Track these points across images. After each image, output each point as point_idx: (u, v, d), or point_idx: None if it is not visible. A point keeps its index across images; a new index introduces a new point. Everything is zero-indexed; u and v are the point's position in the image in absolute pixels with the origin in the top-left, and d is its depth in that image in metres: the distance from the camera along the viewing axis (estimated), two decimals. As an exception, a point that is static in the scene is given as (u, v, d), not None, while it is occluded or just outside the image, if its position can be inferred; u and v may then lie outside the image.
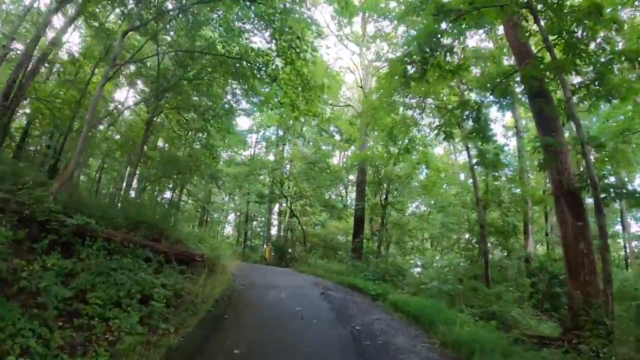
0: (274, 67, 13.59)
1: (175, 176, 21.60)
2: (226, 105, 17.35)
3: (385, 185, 23.63)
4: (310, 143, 32.02)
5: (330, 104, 29.41)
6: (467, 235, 34.69)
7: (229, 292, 10.79)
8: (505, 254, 17.95)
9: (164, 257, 10.02)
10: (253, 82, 15.16)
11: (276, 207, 37.37)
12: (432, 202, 30.76)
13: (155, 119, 18.53)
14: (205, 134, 18.72)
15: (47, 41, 15.96)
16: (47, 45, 15.99)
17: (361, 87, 27.91)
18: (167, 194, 41.99)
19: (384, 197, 24.49)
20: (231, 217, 45.17)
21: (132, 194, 20.13)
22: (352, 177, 38.09)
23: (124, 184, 18.88)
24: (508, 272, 17.90)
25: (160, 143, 26.24)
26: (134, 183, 23.19)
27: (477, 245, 21.91)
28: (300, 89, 13.71)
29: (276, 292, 11.48)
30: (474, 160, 17.35)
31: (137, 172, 19.18)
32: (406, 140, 23.16)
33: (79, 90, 19.68)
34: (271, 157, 36.25)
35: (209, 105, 16.98)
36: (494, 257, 19.75)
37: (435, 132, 13.04)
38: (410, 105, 21.93)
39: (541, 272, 18.15)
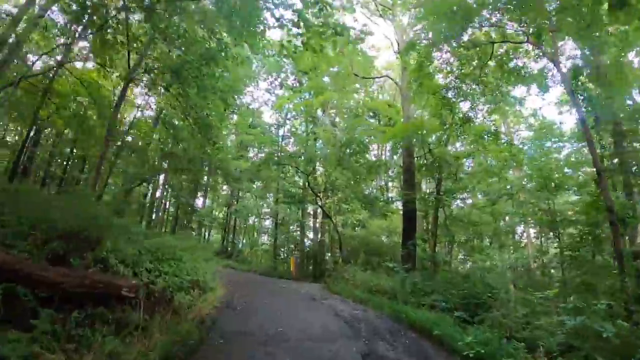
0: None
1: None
2: (207, 47, 11.26)
3: (440, 169, 17.10)
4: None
5: (364, 77, 23.12)
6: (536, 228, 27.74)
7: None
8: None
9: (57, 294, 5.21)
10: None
11: (310, 209, 31.16)
12: (485, 191, 24.05)
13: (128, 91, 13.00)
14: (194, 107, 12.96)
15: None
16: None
17: (398, 52, 21.54)
18: (200, 201, 37.35)
19: (438, 184, 18.04)
20: (268, 222, 39.58)
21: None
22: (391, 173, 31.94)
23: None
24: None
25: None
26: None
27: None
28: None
29: (274, 358, 5.39)
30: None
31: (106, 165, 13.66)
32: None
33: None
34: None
35: (183, 57, 11.15)
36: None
37: None
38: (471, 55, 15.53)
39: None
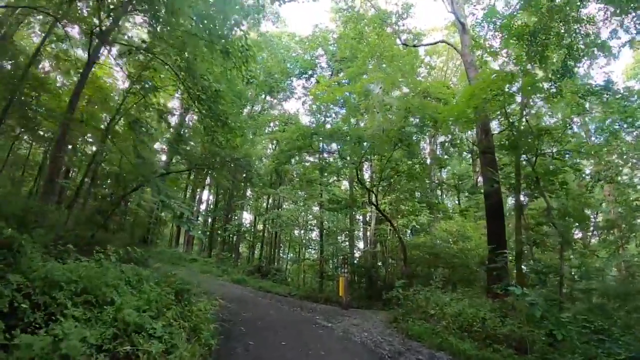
0: None
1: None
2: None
3: (536, 144, 11.89)
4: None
5: (414, 46, 18.14)
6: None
7: None
8: None
9: None
10: None
11: (359, 216, 26.01)
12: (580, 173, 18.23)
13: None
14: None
15: None
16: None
17: (453, 12, 16.61)
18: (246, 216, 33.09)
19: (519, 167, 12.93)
20: (315, 234, 34.52)
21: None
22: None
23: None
24: None
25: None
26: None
27: None
28: None
29: None
30: None
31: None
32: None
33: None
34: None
35: None
36: None
37: None
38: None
39: None
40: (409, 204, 17.64)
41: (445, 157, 18.22)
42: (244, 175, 21.75)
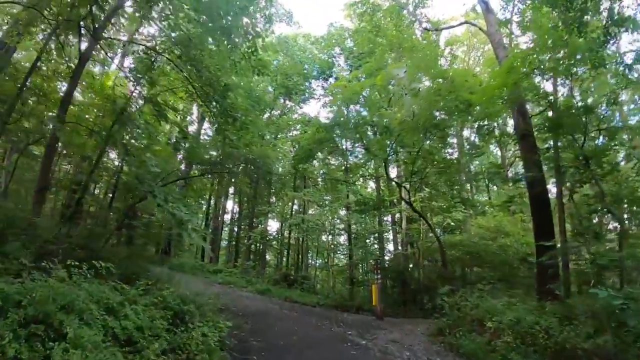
0: None
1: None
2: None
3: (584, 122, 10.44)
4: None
5: (436, 30, 16.85)
6: None
7: None
8: None
9: None
10: None
11: (387, 218, 24.50)
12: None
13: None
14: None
15: None
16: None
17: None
18: (272, 224, 32.26)
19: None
20: (343, 238, 33.06)
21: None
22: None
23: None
24: None
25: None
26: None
27: None
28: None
29: None
30: None
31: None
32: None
33: None
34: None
35: None
36: None
37: None
38: None
39: None
40: (442, 200, 16.24)
41: (480, 144, 16.72)
42: (267, 178, 20.90)
